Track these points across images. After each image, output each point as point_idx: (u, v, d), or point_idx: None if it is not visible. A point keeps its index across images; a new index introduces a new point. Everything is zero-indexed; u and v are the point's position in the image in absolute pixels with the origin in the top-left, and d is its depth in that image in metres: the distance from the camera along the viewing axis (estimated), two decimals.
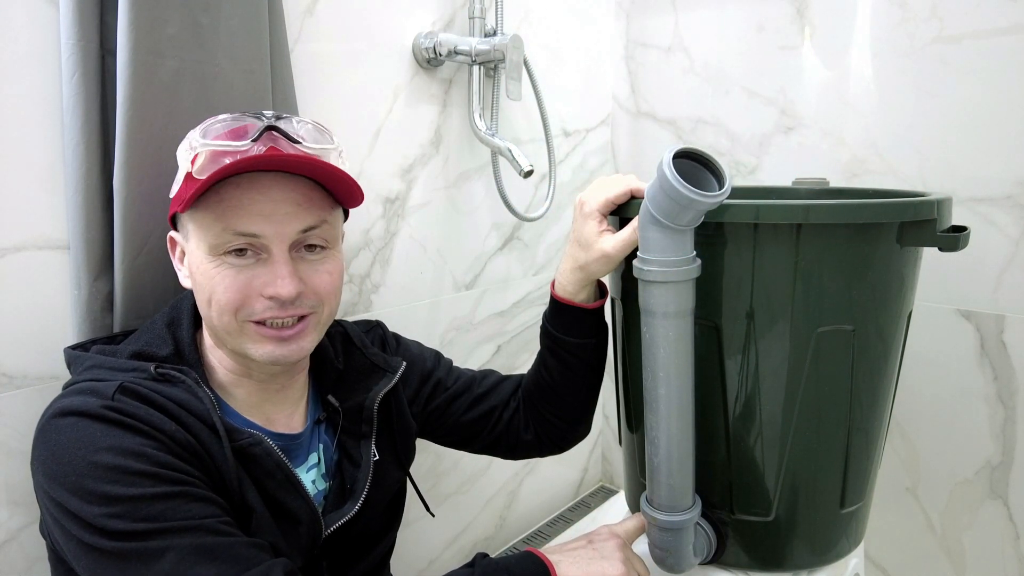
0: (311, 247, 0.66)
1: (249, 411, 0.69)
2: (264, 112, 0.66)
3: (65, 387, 0.62)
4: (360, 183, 0.67)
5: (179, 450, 0.58)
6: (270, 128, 0.63)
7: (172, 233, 0.68)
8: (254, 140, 0.62)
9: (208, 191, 0.61)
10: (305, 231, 0.64)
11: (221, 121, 0.65)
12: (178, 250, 0.68)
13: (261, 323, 0.63)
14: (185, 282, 0.68)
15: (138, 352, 0.64)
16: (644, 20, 1.47)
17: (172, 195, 0.66)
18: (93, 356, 0.64)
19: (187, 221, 0.64)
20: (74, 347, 0.68)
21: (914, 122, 1.13)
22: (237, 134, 0.63)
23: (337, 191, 0.67)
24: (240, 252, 0.62)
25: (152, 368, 0.62)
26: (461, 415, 0.85)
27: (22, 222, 0.72)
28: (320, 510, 0.70)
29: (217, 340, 0.66)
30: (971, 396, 1.13)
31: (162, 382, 0.62)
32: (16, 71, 0.70)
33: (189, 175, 0.62)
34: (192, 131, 0.65)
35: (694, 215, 0.59)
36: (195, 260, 0.64)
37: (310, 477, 0.72)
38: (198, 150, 0.62)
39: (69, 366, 0.66)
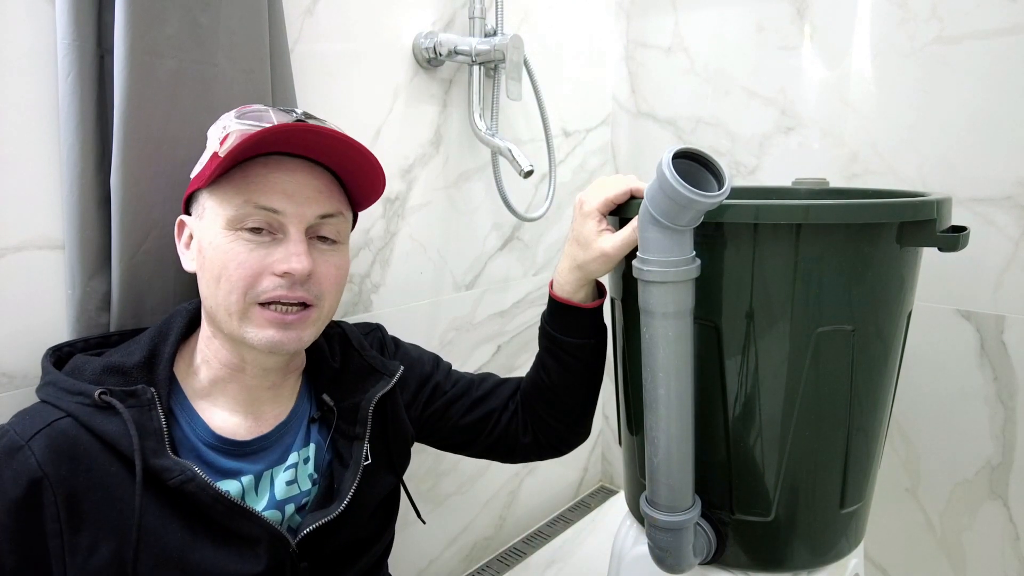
0: (323, 238, 0.67)
1: (233, 408, 0.68)
2: (294, 108, 0.68)
3: (37, 389, 0.63)
4: None
5: (13, 518, 0.56)
6: (301, 122, 0.65)
7: (182, 216, 0.68)
8: None
9: (234, 168, 0.62)
10: (323, 217, 0.66)
11: (256, 110, 0.66)
12: (185, 234, 0.68)
13: (266, 307, 0.63)
14: (189, 266, 0.68)
15: (110, 365, 0.63)
16: (644, 20, 1.47)
17: (193, 175, 0.67)
18: (52, 372, 0.63)
19: (206, 198, 0.64)
20: (57, 347, 0.68)
21: (914, 122, 1.13)
22: (271, 122, 0.65)
23: (360, 183, 0.69)
24: (256, 230, 0.63)
25: (96, 394, 0.60)
26: (459, 418, 0.85)
27: (22, 222, 0.71)
28: (305, 509, 0.70)
29: (216, 327, 0.66)
30: (971, 396, 1.13)
31: (104, 410, 0.60)
32: (14, 70, 0.70)
33: (215, 155, 0.63)
34: (226, 114, 0.66)
35: (694, 215, 0.58)
36: (208, 236, 0.64)
37: (286, 477, 0.70)
38: (230, 130, 0.63)
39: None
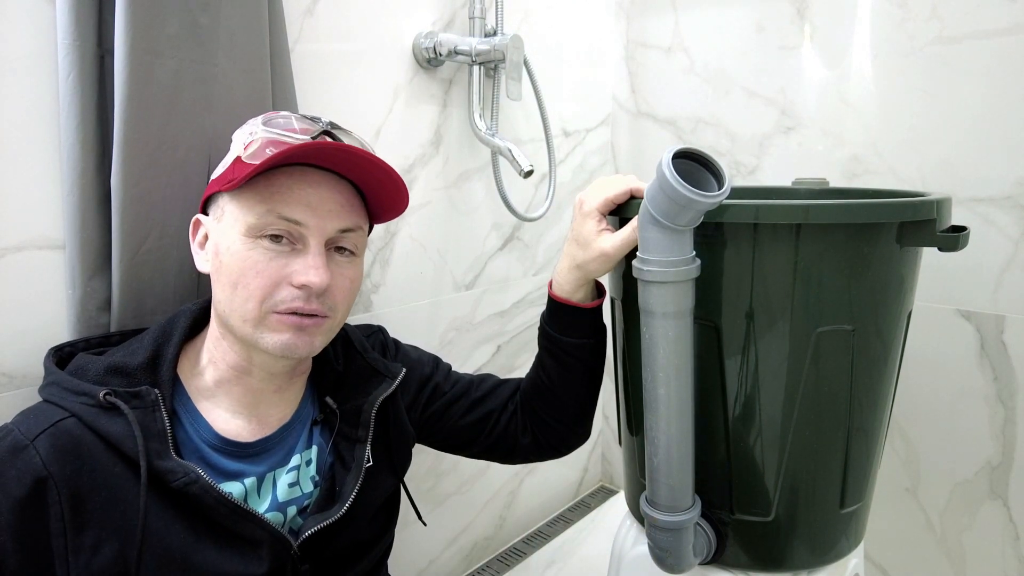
0: (341, 250, 0.68)
1: (236, 410, 0.68)
2: (319, 117, 0.69)
3: (40, 388, 0.63)
4: None
5: (18, 517, 0.56)
6: (326, 132, 0.66)
7: (199, 216, 0.69)
8: (312, 139, 0.64)
9: (258, 176, 0.63)
10: (343, 231, 0.66)
11: (283, 116, 0.67)
12: (200, 233, 0.68)
13: (283, 313, 0.63)
14: (203, 266, 0.68)
15: (113, 365, 0.63)
16: (644, 20, 1.47)
17: (214, 177, 0.67)
18: (55, 372, 0.63)
19: (227, 202, 0.65)
20: (59, 347, 0.68)
21: (914, 122, 1.13)
22: (297, 131, 0.65)
23: (382, 200, 0.70)
24: (276, 239, 0.63)
25: (101, 395, 0.60)
26: (458, 419, 0.85)
27: (22, 222, 0.72)
28: (307, 511, 0.70)
29: (226, 330, 0.66)
30: (971, 396, 1.13)
31: (109, 410, 0.60)
32: (14, 70, 0.70)
33: (239, 159, 0.64)
34: (253, 119, 0.67)
35: (693, 215, 0.58)
36: (226, 240, 0.64)
37: (288, 479, 0.70)
38: (256, 136, 0.64)
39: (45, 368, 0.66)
